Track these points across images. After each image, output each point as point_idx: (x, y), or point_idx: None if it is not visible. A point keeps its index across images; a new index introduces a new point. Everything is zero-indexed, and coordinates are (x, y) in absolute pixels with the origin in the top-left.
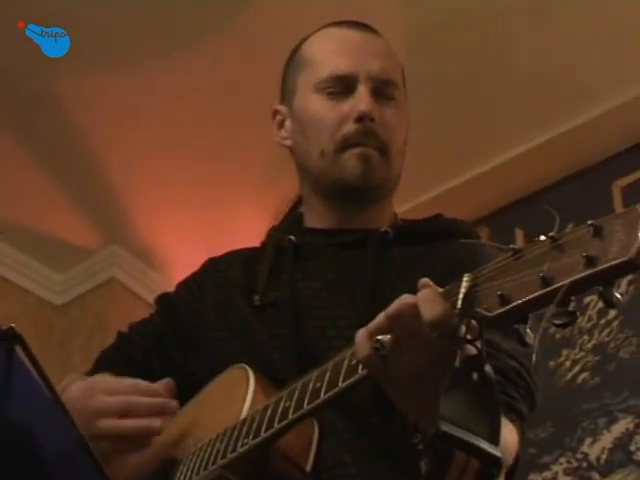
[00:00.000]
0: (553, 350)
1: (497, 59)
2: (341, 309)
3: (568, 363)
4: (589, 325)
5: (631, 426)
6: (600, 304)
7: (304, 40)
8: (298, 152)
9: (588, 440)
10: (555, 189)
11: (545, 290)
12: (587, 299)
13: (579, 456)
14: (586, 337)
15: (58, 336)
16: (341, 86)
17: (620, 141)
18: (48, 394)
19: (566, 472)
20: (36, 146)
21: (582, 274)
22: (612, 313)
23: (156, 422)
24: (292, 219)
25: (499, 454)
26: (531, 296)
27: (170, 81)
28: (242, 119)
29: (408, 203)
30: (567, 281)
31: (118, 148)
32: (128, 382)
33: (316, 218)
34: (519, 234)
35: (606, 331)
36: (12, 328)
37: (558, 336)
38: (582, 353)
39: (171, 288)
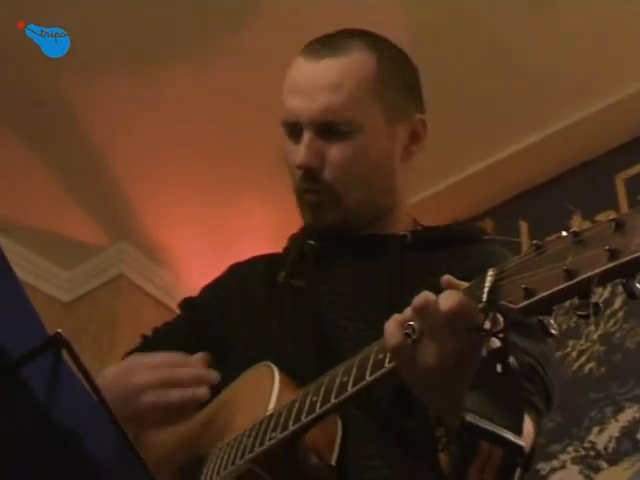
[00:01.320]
0: (559, 341)
1: (498, 55)
2: (360, 312)
3: (574, 354)
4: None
5: (638, 415)
6: (606, 294)
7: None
8: None
9: (595, 429)
10: (559, 182)
11: (569, 282)
12: None
13: (587, 445)
14: (592, 328)
15: (67, 333)
16: (292, 130)
17: (623, 134)
18: (95, 398)
19: (574, 461)
20: (43, 146)
21: (606, 266)
22: (617, 303)
23: (202, 390)
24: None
25: (522, 443)
26: (555, 288)
27: (175, 82)
28: (247, 118)
29: (413, 198)
30: (593, 272)
31: (125, 147)
32: (164, 355)
33: None
34: (523, 227)
35: (612, 321)
36: (59, 333)
37: (564, 327)
38: (588, 343)
39: (179, 284)
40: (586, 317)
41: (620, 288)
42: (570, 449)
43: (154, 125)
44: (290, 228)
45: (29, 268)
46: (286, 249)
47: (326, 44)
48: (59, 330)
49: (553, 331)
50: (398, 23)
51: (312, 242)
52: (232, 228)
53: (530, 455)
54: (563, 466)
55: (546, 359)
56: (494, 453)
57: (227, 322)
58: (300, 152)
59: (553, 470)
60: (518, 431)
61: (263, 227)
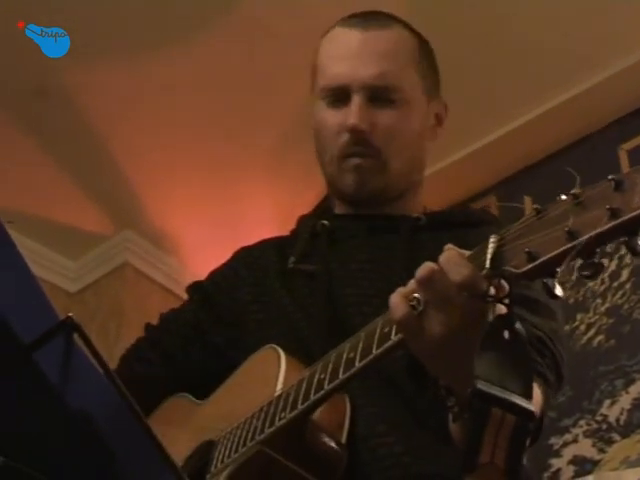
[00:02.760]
0: (567, 314)
1: (496, 29)
2: (374, 289)
3: (583, 327)
4: (602, 288)
5: None
6: (613, 267)
7: (323, 36)
8: (316, 151)
9: (607, 402)
10: (562, 155)
11: (571, 244)
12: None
13: (598, 418)
14: (599, 300)
15: None
16: (337, 95)
17: (624, 105)
18: (107, 381)
19: (586, 434)
20: (45, 137)
21: (607, 225)
22: (625, 275)
23: None
24: (323, 205)
25: (534, 408)
26: (558, 250)
27: (175, 68)
28: (249, 101)
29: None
30: (592, 233)
31: (126, 135)
32: None
33: (340, 206)
34: (527, 201)
35: (619, 293)
36: (70, 317)
37: (571, 300)
38: (596, 316)
39: (184, 270)
40: (590, 277)
41: (627, 259)
42: (582, 422)
43: (155, 112)
44: (294, 211)
45: (35, 259)
46: (295, 231)
47: (368, 18)
48: (70, 314)
49: (558, 292)
50: None
51: (325, 222)
52: (236, 213)
53: (538, 426)
54: (575, 440)
55: (555, 335)
56: (506, 419)
57: (237, 304)
58: (352, 114)
59: (566, 444)
60: (528, 396)
61: (268, 211)
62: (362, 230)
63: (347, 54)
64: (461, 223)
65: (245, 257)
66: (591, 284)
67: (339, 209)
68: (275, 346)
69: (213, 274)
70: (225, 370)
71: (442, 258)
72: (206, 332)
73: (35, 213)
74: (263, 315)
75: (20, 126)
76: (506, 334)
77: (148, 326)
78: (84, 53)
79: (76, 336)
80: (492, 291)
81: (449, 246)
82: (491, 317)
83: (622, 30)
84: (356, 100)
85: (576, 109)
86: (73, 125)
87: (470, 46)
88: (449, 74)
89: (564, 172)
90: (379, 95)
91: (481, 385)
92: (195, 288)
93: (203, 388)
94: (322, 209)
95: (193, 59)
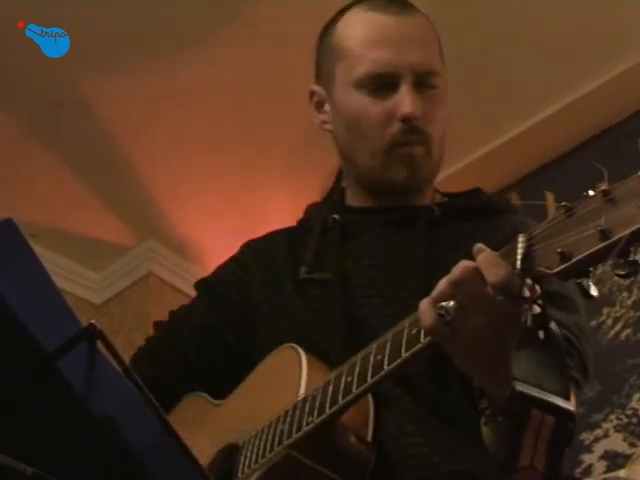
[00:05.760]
0: (594, 309)
1: (514, 22)
2: (392, 288)
3: (610, 321)
4: (628, 282)
5: None
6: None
7: (337, 19)
8: (341, 143)
9: (636, 395)
10: (582, 150)
11: (605, 243)
12: None
13: (629, 412)
14: (625, 294)
15: None
16: (383, 83)
17: None
18: (131, 386)
19: (617, 429)
20: (64, 149)
21: None
22: None
23: None
24: (333, 196)
25: (573, 408)
26: (592, 250)
27: (191, 74)
28: (265, 105)
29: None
30: (626, 232)
31: (145, 144)
32: None
33: (358, 198)
34: (549, 197)
35: None
36: (93, 324)
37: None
38: (623, 310)
39: None
40: (625, 276)
41: None
42: (612, 417)
43: (173, 119)
44: None
45: (58, 272)
46: (303, 221)
47: (393, 3)
48: (92, 321)
49: (593, 293)
50: None
51: (336, 216)
52: (256, 217)
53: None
54: (606, 435)
55: (580, 329)
56: (546, 420)
57: (247, 300)
58: (407, 101)
59: (596, 439)
60: (567, 395)
61: (288, 215)
62: (376, 224)
63: (388, 39)
64: (479, 212)
65: (253, 252)
66: (616, 278)
67: (354, 201)
68: (295, 345)
69: (220, 270)
70: (239, 370)
71: (479, 258)
72: (219, 333)
73: (58, 226)
74: (274, 316)
75: (40, 139)
76: (541, 334)
77: (158, 324)
78: (101, 63)
79: (99, 343)
80: (526, 292)
81: (480, 246)
82: (528, 318)
83: (637, 22)
84: (407, 87)
85: (596, 102)
86: (92, 136)
87: (484, 44)
88: (465, 73)
89: (585, 166)
90: (424, 81)
91: (520, 387)
92: (204, 287)
93: (218, 388)
94: (333, 200)
95: (209, 66)
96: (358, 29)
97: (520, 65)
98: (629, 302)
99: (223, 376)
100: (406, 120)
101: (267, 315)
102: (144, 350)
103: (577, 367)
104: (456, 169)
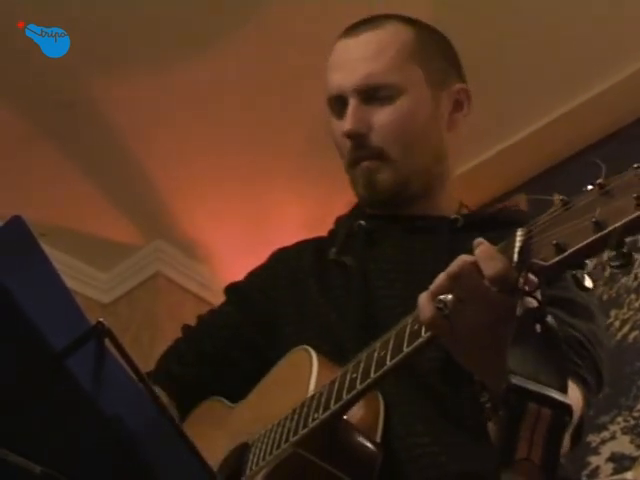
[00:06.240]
0: (601, 311)
1: (525, 25)
2: (410, 291)
3: (617, 323)
4: (635, 284)
5: None
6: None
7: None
8: None
9: None
10: (591, 152)
11: (599, 234)
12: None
13: (636, 414)
14: (633, 296)
15: None
16: (338, 104)
17: None
18: (139, 384)
19: (624, 431)
20: (74, 149)
21: (634, 214)
22: None
23: None
24: (358, 208)
25: (569, 402)
26: (586, 242)
27: (201, 76)
28: (275, 108)
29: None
30: (619, 223)
31: (154, 145)
32: None
33: (376, 208)
34: (557, 197)
35: None
36: (101, 322)
37: (605, 297)
38: (630, 312)
39: (216, 278)
40: (620, 267)
41: None
42: (619, 419)
43: (183, 121)
44: (323, 217)
45: (66, 271)
46: (332, 231)
47: (364, 22)
48: (101, 319)
49: (587, 284)
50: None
51: (362, 222)
52: (266, 219)
53: (580, 426)
54: (613, 437)
55: (595, 337)
56: (542, 413)
57: (274, 305)
58: (347, 119)
59: (603, 442)
60: (564, 390)
61: (297, 217)
62: (398, 231)
63: (340, 62)
64: (500, 223)
65: (282, 258)
66: (624, 280)
67: (373, 210)
68: (307, 347)
69: (250, 275)
70: (263, 371)
71: (477, 251)
72: (244, 333)
73: (66, 225)
74: (298, 317)
75: (50, 139)
76: (538, 328)
77: (185, 327)
78: (112, 65)
79: (107, 342)
80: (522, 285)
81: (480, 240)
82: (519, 311)
83: None
84: (350, 105)
85: (604, 105)
86: (102, 136)
87: (492, 46)
88: (475, 75)
89: (594, 168)
90: (371, 95)
91: (515, 380)
92: (232, 289)
93: (241, 389)
94: (357, 210)
95: (219, 68)
96: (330, 57)
97: (529, 68)
98: (637, 304)
99: (246, 376)
100: (349, 137)
101: (291, 317)
102: (170, 350)
103: (589, 369)
104: (465, 170)
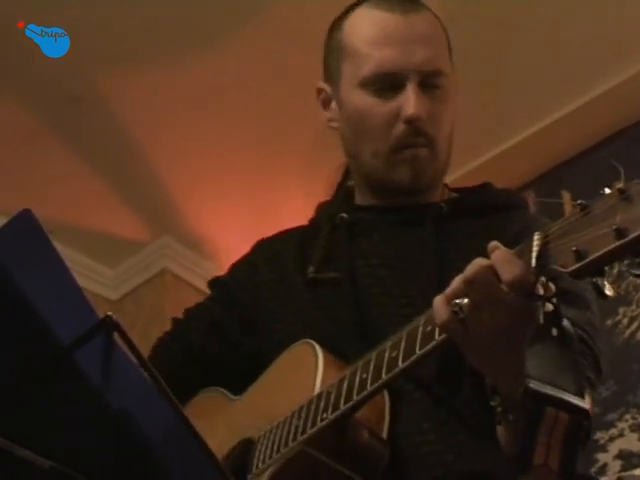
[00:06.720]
0: (609, 309)
1: (531, 23)
2: (401, 287)
3: (625, 320)
4: None
5: None
6: None
7: (345, 16)
8: (346, 142)
9: None
10: (599, 149)
11: (621, 241)
12: None
13: None
14: None
15: None
16: (387, 83)
17: None
18: (148, 378)
19: (632, 428)
20: (81, 145)
21: None
22: None
23: None
24: (342, 194)
25: (587, 406)
26: (607, 249)
27: (209, 72)
28: (283, 104)
29: (453, 174)
30: None
31: (162, 142)
32: None
33: (366, 197)
34: (566, 196)
35: None
36: (109, 316)
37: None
38: (639, 309)
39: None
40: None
41: None
42: (627, 417)
43: (190, 117)
44: None
45: (74, 268)
46: (314, 220)
47: (400, 2)
48: (109, 313)
49: (608, 292)
50: None
51: (344, 215)
52: (271, 216)
53: (589, 425)
54: (621, 434)
55: (592, 326)
56: (560, 417)
57: (257, 299)
58: (411, 103)
59: (611, 439)
60: (581, 393)
61: (303, 214)
62: (384, 223)
63: (394, 38)
64: (491, 208)
65: (265, 251)
66: (632, 277)
67: (362, 199)
68: (311, 341)
69: (233, 268)
70: (249, 366)
71: (494, 256)
72: (226, 329)
73: (73, 222)
74: (282, 313)
75: (57, 135)
76: (554, 332)
77: (174, 320)
78: (119, 60)
79: (116, 335)
80: (540, 290)
81: (495, 243)
82: (541, 317)
83: None
84: (412, 88)
85: (611, 103)
86: (109, 133)
87: (500, 44)
88: (482, 73)
89: (602, 165)
90: (429, 81)
91: (534, 384)
92: (215, 283)
93: (230, 383)
94: (342, 197)
95: (227, 64)
96: (364, 27)
97: (536, 65)
98: None
99: (233, 371)
100: (410, 122)
101: (277, 312)
102: (158, 345)
103: (591, 367)
104: (472, 167)
